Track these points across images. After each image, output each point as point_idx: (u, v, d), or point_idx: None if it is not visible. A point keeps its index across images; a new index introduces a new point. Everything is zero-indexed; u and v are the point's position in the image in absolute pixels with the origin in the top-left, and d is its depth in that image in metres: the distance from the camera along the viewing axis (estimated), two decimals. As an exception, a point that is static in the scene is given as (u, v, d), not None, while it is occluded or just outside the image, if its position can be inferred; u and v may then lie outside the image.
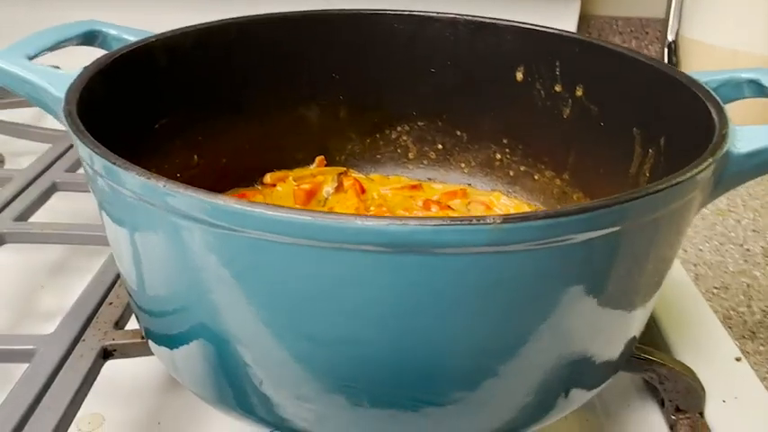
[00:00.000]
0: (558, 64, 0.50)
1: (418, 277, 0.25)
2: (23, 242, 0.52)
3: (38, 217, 0.56)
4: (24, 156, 0.69)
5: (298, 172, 0.56)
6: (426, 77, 0.55)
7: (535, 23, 0.51)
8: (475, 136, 0.57)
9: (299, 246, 0.25)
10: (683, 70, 0.41)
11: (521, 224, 0.24)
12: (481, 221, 0.24)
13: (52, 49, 0.41)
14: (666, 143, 0.41)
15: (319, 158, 0.57)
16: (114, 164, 0.29)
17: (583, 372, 0.35)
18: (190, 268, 0.29)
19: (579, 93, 0.50)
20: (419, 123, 0.58)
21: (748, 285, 0.60)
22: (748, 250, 0.66)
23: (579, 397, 0.37)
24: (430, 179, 0.58)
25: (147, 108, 0.45)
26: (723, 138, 0.31)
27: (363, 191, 0.55)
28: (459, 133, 0.57)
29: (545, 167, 0.54)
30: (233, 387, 0.33)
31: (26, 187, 0.58)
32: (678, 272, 0.58)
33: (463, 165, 0.58)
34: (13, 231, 0.52)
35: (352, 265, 0.25)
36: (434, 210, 0.53)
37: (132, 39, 0.45)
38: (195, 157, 0.50)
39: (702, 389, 0.43)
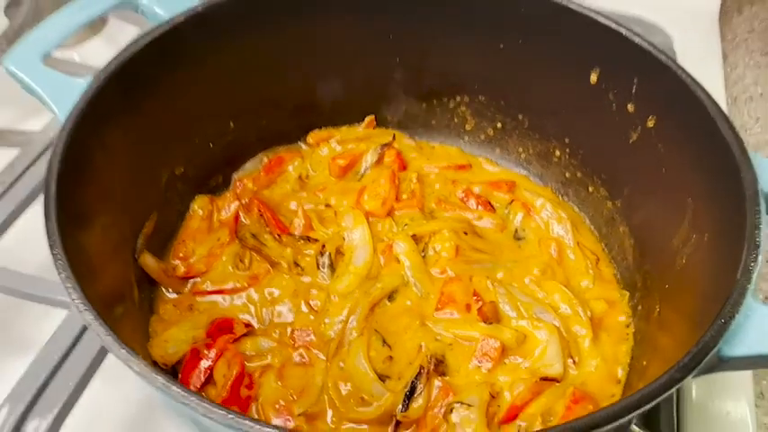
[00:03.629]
0: (635, 81, 0.43)
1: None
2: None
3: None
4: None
5: (344, 132, 0.54)
6: (493, 52, 0.49)
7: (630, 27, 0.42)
8: (537, 124, 0.51)
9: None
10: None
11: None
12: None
13: (87, 24, 0.40)
14: (709, 243, 0.36)
15: (369, 119, 0.54)
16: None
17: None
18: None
19: (651, 124, 0.42)
20: (480, 97, 0.52)
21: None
22: None
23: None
24: (484, 156, 0.54)
25: (169, 88, 0.43)
26: (705, 355, 0.26)
27: (404, 167, 0.52)
28: (520, 117, 0.51)
29: (601, 184, 0.48)
30: None
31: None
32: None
33: (521, 150, 0.53)
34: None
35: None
36: (472, 204, 0.50)
37: (162, 12, 0.43)
38: (231, 123, 0.49)
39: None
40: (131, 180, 0.41)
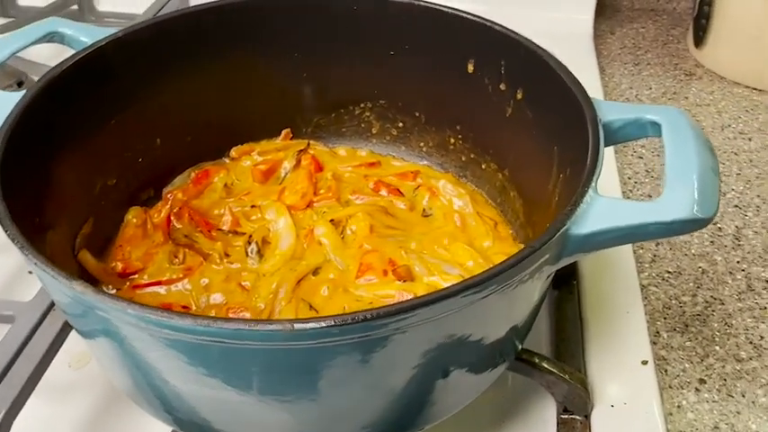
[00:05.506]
0: (503, 63, 0.50)
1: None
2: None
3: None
4: None
5: (263, 145, 0.60)
6: (386, 59, 0.56)
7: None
8: (432, 118, 0.58)
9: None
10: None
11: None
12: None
13: (10, 57, 0.45)
14: (570, 175, 0.42)
15: (285, 131, 0.60)
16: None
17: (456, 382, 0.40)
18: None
19: (519, 96, 0.50)
20: (381, 102, 0.59)
21: (703, 272, 0.61)
22: (720, 230, 0.65)
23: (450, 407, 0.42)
24: (391, 155, 0.61)
25: (99, 106, 0.49)
26: (556, 232, 0.32)
27: (320, 169, 0.58)
28: (417, 114, 0.58)
29: (490, 159, 0.55)
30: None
31: None
32: (626, 259, 0.59)
33: (422, 144, 0.60)
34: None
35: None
36: (384, 193, 0.56)
37: (87, 40, 0.48)
38: (158, 140, 0.54)
39: (588, 395, 0.47)
40: (67, 184, 0.45)
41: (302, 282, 0.48)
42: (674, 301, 0.59)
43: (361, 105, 0.60)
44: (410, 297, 0.45)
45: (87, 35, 0.49)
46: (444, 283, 0.47)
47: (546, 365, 0.46)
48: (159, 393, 0.38)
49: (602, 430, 0.46)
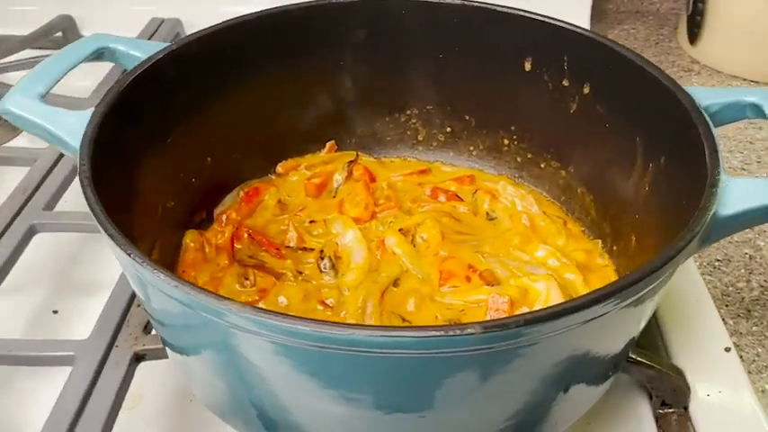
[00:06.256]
0: (565, 59, 0.50)
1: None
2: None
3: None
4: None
5: (309, 159, 0.57)
6: (434, 63, 0.55)
7: (546, 14, 0.50)
8: (483, 121, 0.57)
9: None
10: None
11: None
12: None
13: (63, 76, 0.42)
14: (666, 164, 0.42)
15: (330, 144, 0.58)
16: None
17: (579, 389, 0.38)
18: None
19: (586, 90, 0.49)
20: (428, 107, 0.58)
21: (750, 257, 0.62)
22: (755, 216, 0.67)
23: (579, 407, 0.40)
24: (439, 161, 0.59)
25: (157, 124, 0.46)
26: (707, 214, 0.31)
27: (373, 179, 0.56)
28: (467, 117, 0.57)
29: (551, 158, 0.54)
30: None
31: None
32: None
33: (471, 148, 0.58)
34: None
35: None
36: (442, 199, 0.55)
37: (139, 54, 0.45)
38: (208, 159, 0.51)
39: (687, 387, 0.46)
40: (138, 209, 0.42)
41: (385, 294, 0.46)
42: (730, 288, 0.59)
43: (407, 112, 0.58)
44: (504, 300, 0.45)
45: (139, 50, 0.46)
46: (533, 283, 0.46)
47: (645, 360, 0.45)
48: (266, 411, 0.36)
49: (704, 421, 0.46)
